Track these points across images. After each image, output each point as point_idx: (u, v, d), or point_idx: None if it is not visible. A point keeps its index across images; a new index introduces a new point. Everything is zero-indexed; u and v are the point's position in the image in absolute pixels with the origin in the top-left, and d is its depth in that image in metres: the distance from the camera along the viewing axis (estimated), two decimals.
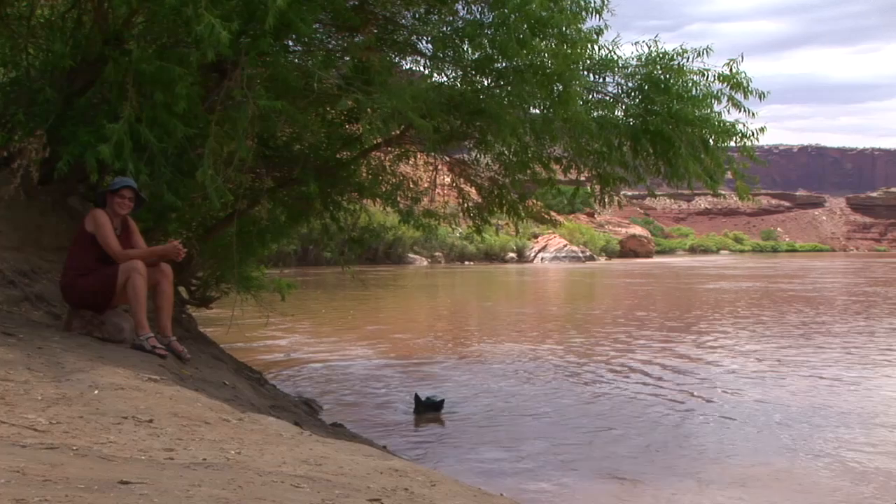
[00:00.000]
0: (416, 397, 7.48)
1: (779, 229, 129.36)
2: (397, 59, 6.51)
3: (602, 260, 59.59)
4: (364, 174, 7.25)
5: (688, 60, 6.27)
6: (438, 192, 8.31)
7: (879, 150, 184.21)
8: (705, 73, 6.28)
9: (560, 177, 7.48)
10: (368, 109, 5.35)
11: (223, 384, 5.01)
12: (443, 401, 7.48)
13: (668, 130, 6.16)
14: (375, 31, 5.92)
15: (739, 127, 6.40)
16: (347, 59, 5.99)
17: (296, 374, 9.63)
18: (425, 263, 46.75)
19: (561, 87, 5.80)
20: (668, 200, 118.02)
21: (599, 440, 6.78)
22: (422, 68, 6.56)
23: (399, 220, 7.31)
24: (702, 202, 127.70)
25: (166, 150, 5.11)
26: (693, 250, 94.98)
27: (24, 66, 5.81)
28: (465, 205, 7.92)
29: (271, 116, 5.24)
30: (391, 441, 6.32)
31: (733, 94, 6.27)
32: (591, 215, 71.75)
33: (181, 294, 7.15)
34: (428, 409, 7.35)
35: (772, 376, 9.78)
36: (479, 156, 7.77)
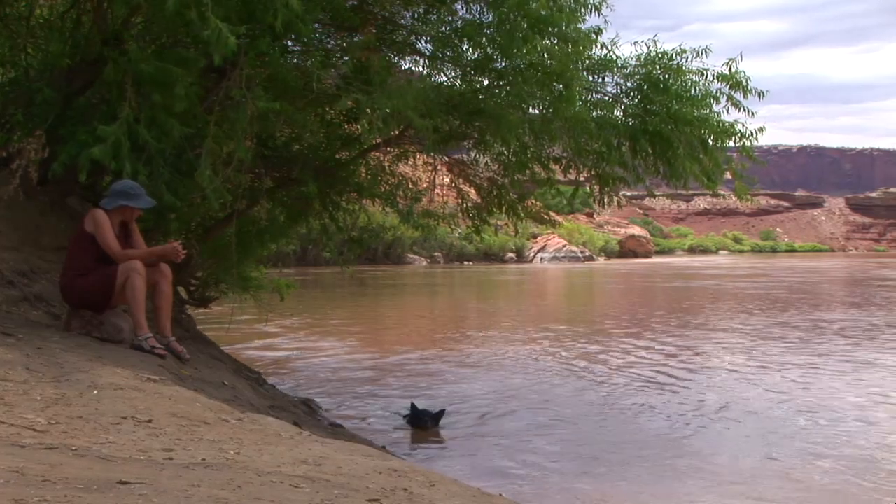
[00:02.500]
0: (412, 410, 6.90)
1: (778, 229, 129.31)
2: (396, 59, 6.52)
3: (601, 260, 59.57)
4: (363, 174, 7.25)
5: (687, 60, 6.29)
6: (437, 193, 8.30)
7: (878, 150, 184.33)
8: (704, 72, 6.29)
9: (559, 177, 7.48)
10: (368, 110, 5.35)
11: (222, 384, 5.01)
12: (442, 411, 6.98)
13: (667, 130, 6.17)
14: (374, 30, 5.92)
15: (738, 127, 6.42)
16: (346, 59, 5.99)
17: (295, 373, 9.63)
18: (424, 263, 46.75)
19: (561, 87, 5.80)
20: (666, 201, 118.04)
21: (596, 439, 6.79)
22: (421, 68, 6.57)
23: (398, 220, 7.31)
24: (701, 202, 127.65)
25: (165, 150, 5.11)
26: (692, 250, 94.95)
27: (23, 66, 5.81)
28: (465, 205, 7.92)
29: (270, 117, 5.24)
30: (389, 441, 6.32)
31: (732, 93, 6.28)
32: (590, 215, 71.77)
33: (180, 294, 7.15)
34: (426, 422, 6.81)
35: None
36: (478, 156, 7.77)
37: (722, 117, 6.43)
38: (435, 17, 6.00)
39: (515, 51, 5.57)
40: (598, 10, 5.89)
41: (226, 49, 4.32)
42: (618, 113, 6.51)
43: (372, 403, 8.09)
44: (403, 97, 5.21)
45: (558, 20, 5.55)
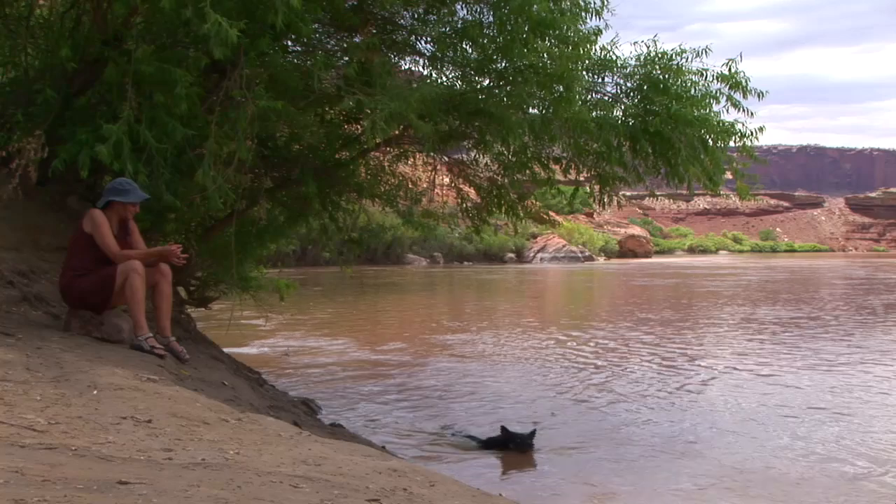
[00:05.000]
0: (504, 434, 6.25)
1: (778, 229, 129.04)
2: (397, 59, 6.52)
3: (601, 260, 59.53)
4: (363, 174, 7.25)
5: (687, 61, 6.28)
6: (437, 193, 8.30)
7: (878, 150, 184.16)
8: (704, 73, 6.28)
9: (559, 177, 7.48)
10: (368, 110, 5.35)
11: (222, 384, 5.01)
12: (534, 431, 6.35)
13: (668, 131, 6.16)
14: (374, 31, 5.91)
15: (738, 127, 6.41)
16: (347, 59, 5.99)
17: (294, 373, 9.63)
18: (424, 263, 46.72)
19: (562, 88, 5.80)
20: (666, 201, 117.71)
21: (603, 436, 6.81)
22: (421, 69, 6.58)
23: (398, 220, 7.30)
24: (700, 202, 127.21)
25: (166, 150, 5.11)
26: (692, 250, 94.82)
27: (23, 66, 5.81)
28: (464, 205, 7.92)
29: (270, 117, 5.23)
30: (389, 441, 6.32)
31: (732, 93, 6.27)
32: (589, 215, 71.66)
33: (180, 294, 7.14)
34: (528, 444, 6.17)
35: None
36: (478, 156, 7.77)
37: (722, 117, 6.44)
38: (435, 17, 5.99)
39: (516, 52, 5.57)
40: (598, 13, 5.89)
41: (226, 43, 4.31)
42: (618, 113, 6.51)
43: (372, 403, 8.09)
44: (404, 99, 5.20)
45: (559, 23, 5.55)
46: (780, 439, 6.82)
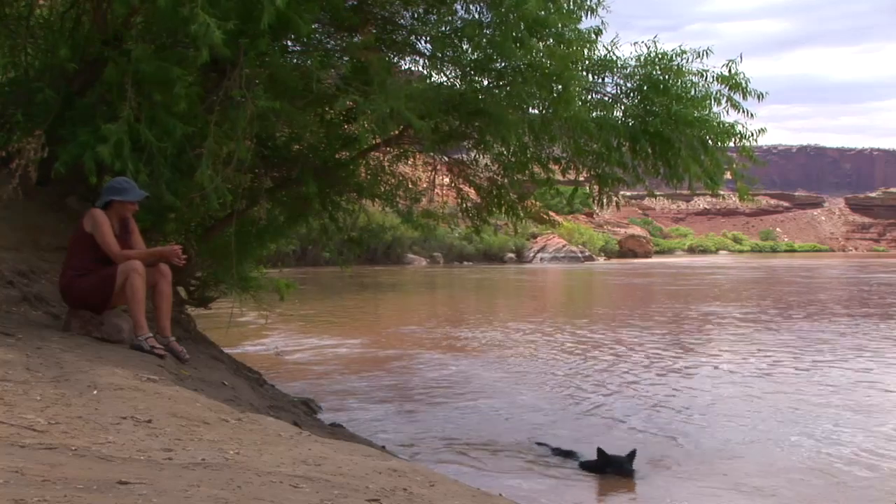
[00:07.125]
0: (601, 457, 5.83)
1: (778, 229, 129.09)
2: (396, 59, 6.52)
3: (601, 260, 59.57)
4: (363, 174, 7.24)
5: (687, 61, 6.27)
6: (437, 193, 8.30)
7: (878, 150, 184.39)
8: (704, 73, 6.27)
9: (559, 177, 7.48)
10: (367, 111, 5.34)
11: (222, 384, 5.01)
12: (634, 451, 5.90)
13: (668, 131, 6.15)
14: (374, 30, 5.91)
15: (738, 128, 6.40)
16: (346, 59, 5.99)
17: (294, 373, 9.64)
18: (424, 263, 46.75)
19: (560, 88, 5.80)
20: (666, 201, 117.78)
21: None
22: (421, 68, 6.57)
23: (398, 220, 7.30)
24: (700, 202, 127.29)
25: (166, 149, 5.11)
26: (692, 250, 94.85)
27: (23, 66, 5.81)
28: (464, 205, 7.92)
29: (270, 116, 5.23)
30: (389, 441, 6.32)
31: (732, 94, 6.26)
32: (590, 215, 71.67)
33: (180, 294, 7.14)
34: (629, 469, 5.77)
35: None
36: (477, 156, 7.77)
37: (722, 118, 6.43)
38: (434, 17, 5.99)
39: (513, 51, 5.56)
40: (594, 11, 5.88)
41: (211, 42, 4.31)
42: (617, 113, 6.49)
43: (372, 403, 8.09)
44: (399, 97, 5.20)
45: (554, 22, 5.54)
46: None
